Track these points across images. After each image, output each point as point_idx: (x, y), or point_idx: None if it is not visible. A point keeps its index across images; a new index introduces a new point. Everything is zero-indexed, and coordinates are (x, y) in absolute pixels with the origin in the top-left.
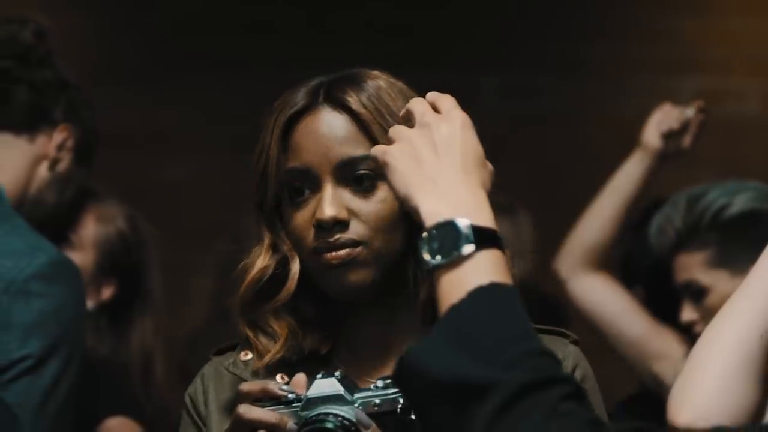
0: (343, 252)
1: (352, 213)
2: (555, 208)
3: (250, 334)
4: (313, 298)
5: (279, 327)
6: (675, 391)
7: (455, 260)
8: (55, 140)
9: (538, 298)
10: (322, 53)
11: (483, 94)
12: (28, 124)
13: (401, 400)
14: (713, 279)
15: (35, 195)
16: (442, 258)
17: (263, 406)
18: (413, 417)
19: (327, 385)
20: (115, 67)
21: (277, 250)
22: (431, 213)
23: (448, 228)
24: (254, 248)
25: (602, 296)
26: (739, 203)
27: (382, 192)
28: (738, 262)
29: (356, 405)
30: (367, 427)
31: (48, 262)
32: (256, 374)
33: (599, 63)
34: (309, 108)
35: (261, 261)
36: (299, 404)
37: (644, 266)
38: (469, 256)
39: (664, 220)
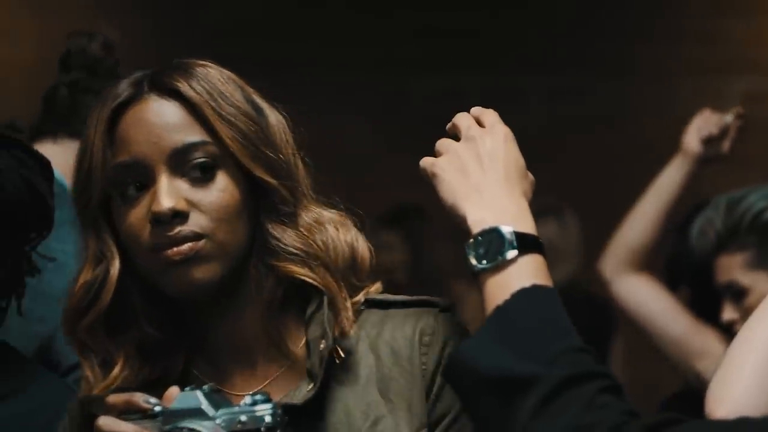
0: (185, 246)
1: (191, 204)
2: (603, 209)
3: (81, 359)
4: (154, 307)
5: (116, 350)
6: (713, 386)
7: (500, 264)
8: None
9: (586, 297)
10: (376, 54)
11: (532, 96)
12: None
13: (267, 419)
14: (753, 280)
15: None
16: (487, 262)
17: (127, 419)
18: None
19: (190, 399)
20: None
21: (103, 259)
22: (477, 221)
23: (493, 235)
24: (83, 258)
25: (645, 297)
26: None
27: (221, 181)
28: None
29: (218, 421)
30: None
31: None
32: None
33: (648, 65)
34: (134, 98)
35: (85, 274)
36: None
37: (687, 267)
38: (513, 260)
39: (705, 223)
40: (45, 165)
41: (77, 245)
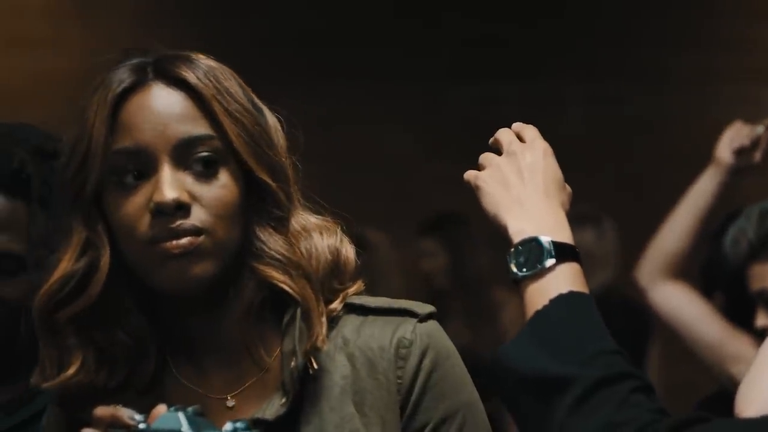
0: (185, 240)
1: (193, 198)
2: (641, 215)
3: (43, 347)
4: (134, 305)
5: (77, 350)
6: (742, 387)
7: (539, 272)
8: None
9: (623, 303)
10: (416, 62)
11: (570, 104)
12: None
13: None
14: None
15: None
16: (527, 270)
17: None
18: None
19: (172, 420)
20: None
21: (90, 249)
22: (518, 231)
23: (533, 244)
24: (62, 247)
25: (680, 303)
26: None
27: (223, 177)
28: None
29: None
30: None
31: None
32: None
33: (684, 72)
34: (138, 84)
35: (67, 262)
36: None
37: (721, 275)
38: (551, 268)
39: (738, 232)
40: None
41: None
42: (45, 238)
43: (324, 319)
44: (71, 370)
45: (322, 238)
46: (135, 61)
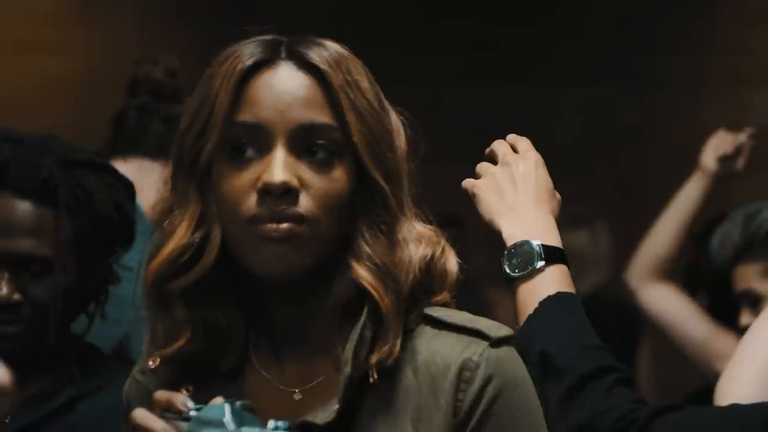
0: (285, 225)
1: (302, 184)
2: (634, 218)
3: (151, 318)
4: (230, 285)
5: (187, 322)
6: (720, 383)
7: (530, 273)
8: None
9: (615, 303)
10: (412, 65)
11: (564, 108)
12: (162, 152)
13: None
14: (767, 288)
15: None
16: (519, 271)
17: (165, 417)
18: None
19: (218, 410)
20: None
21: (204, 220)
22: (511, 235)
23: (525, 247)
24: (176, 214)
25: (669, 303)
26: None
27: (337, 170)
28: None
29: None
30: None
31: None
32: (153, 377)
33: (678, 77)
34: (269, 61)
35: (184, 231)
36: None
37: (707, 276)
38: (541, 269)
39: (724, 235)
40: (129, 186)
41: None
42: (70, 242)
43: (399, 338)
44: (180, 342)
45: (419, 248)
46: (269, 37)
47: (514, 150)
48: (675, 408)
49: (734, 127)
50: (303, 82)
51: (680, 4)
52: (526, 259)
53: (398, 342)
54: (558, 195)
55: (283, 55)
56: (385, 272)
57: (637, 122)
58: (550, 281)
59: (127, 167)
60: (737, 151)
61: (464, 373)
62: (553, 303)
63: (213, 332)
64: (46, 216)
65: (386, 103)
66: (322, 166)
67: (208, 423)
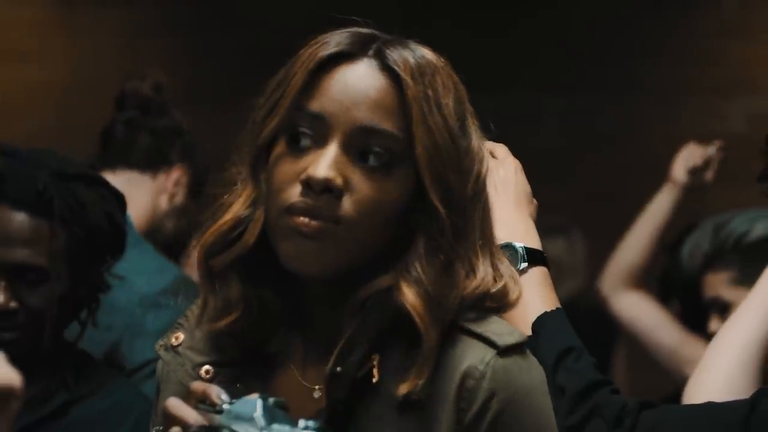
0: (317, 223)
1: (348, 185)
2: (611, 225)
3: (204, 292)
4: (273, 272)
5: (240, 297)
6: (689, 387)
7: None
8: (172, 178)
9: (591, 310)
10: None
11: (543, 115)
12: (150, 164)
13: None
14: (736, 295)
15: (156, 224)
16: None
17: (199, 408)
18: None
19: (250, 405)
20: (198, 91)
21: (256, 201)
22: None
23: (509, 250)
24: (237, 188)
25: (640, 311)
26: (758, 230)
27: (391, 180)
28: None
29: None
30: None
31: (174, 279)
32: (177, 353)
33: (655, 86)
34: (353, 55)
35: (238, 207)
36: None
37: (678, 284)
38: (524, 270)
39: (694, 244)
40: (120, 198)
41: (134, 263)
42: (65, 252)
43: (430, 366)
44: (231, 317)
45: (473, 283)
46: (367, 31)
47: (493, 156)
48: (653, 405)
49: (710, 136)
50: (379, 84)
51: (656, 13)
52: (510, 261)
53: (430, 373)
54: (535, 201)
55: (370, 52)
56: (434, 302)
57: (613, 130)
58: (533, 283)
59: (116, 179)
60: (706, 163)
61: (468, 381)
62: (543, 323)
63: (263, 312)
64: (41, 227)
65: (471, 126)
66: (375, 173)
67: (239, 417)
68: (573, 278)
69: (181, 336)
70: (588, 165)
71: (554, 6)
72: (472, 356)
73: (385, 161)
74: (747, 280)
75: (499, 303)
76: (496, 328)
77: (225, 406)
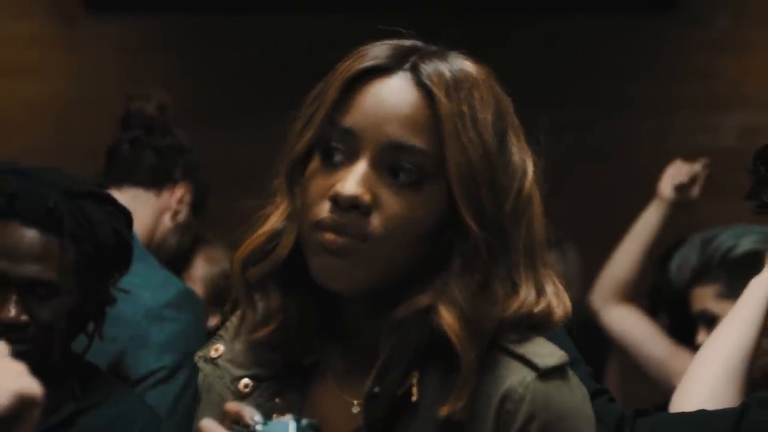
0: (344, 239)
1: (377, 202)
2: (603, 240)
3: (243, 303)
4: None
5: (279, 308)
6: (675, 397)
7: None
8: (175, 195)
9: (584, 323)
10: None
11: (532, 130)
12: (154, 182)
13: None
14: (723, 308)
15: (159, 240)
16: None
17: (232, 429)
18: None
19: (282, 427)
20: (197, 107)
21: (290, 214)
22: None
23: None
24: (277, 200)
25: (630, 324)
26: (744, 245)
27: (422, 196)
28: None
29: None
30: None
31: (177, 293)
32: (219, 365)
33: (643, 101)
34: (388, 69)
35: (275, 219)
36: None
37: (667, 297)
38: None
39: (682, 259)
40: (127, 215)
41: (139, 277)
42: (74, 267)
43: (472, 391)
44: (269, 327)
45: (514, 304)
46: (408, 43)
47: None
48: (649, 412)
49: (701, 151)
50: (411, 99)
51: (647, 28)
52: None
53: (470, 395)
54: None
55: (406, 65)
56: (472, 324)
57: (604, 145)
58: None
59: (121, 196)
60: (693, 179)
61: (506, 404)
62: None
63: (301, 322)
64: (51, 243)
65: (511, 140)
66: (405, 190)
67: None
68: (567, 291)
69: (221, 348)
70: (580, 179)
71: (544, 21)
72: (513, 378)
73: (416, 178)
74: (733, 293)
75: (542, 322)
76: (539, 350)
77: (258, 428)
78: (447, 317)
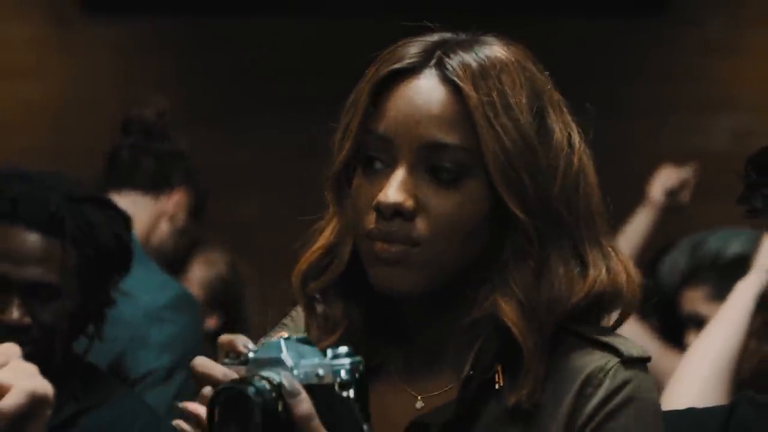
0: (394, 247)
1: (420, 205)
2: None
3: (307, 318)
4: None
5: (343, 316)
6: (664, 397)
7: None
8: (173, 200)
9: None
10: None
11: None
12: (152, 186)
13: (342, 374)
14: (712, 311)
15: (157, 244)
16: None
17: (225, 363)
18: (350, 395)
19: (273, 348)
20: (193, 109)
21: (346, 225)
22: None
23: None
24: (329, 213)
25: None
26: (733, 248)
27: (465, 191)
28: None
29: (296, 372)
30: (293, 396)
31: (176, 295)
32: None
33: (635, 103)
34: (414, 70)
35: (328, 233)
36: None
37: (656, 300)
38: None
39: (672, 262)
40: (127, 219)
41: (138, 280)
42: (75, 270)
43: (539, 379)
44: (333, 338)
45: (574, 288)
46: (432, 39)
47: None
48: None
49: (693, 154)
50: (440, 96)
51: (639, 30)
52: None
53: (538, 383)
54: None
55: (432, 62)
56: (530, 312)
57: (596, 148)
58: None
59: (121, 200)
60: (682, 184)
61: (586, 388)
62: None
63: (366, 328)
64: (53, 246)
65: (552, 118)
66: (446, 188)
67: (267, 362)
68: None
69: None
70: None
71: (533, 24)
72: (595, 364)
73: (456, 175)
74: (723, 295)
75: (614, 299)
76: (622, 341)
77: (251, 355)
78: (506, 309)
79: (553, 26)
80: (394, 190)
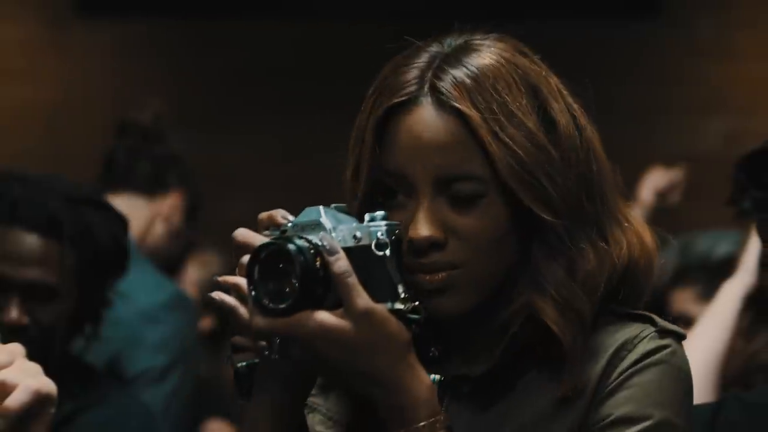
0: (439, 276)
1: (450, 231)
2: None
3: None
4: None
5: None
6: None
7: None
8: (169, 202)
9: None
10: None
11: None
12: (148, 188)
13: (379, 236)
14: (701, 311)
15: (153, 245)
16: None
17: (265, 235)
18: (387, 253)
19: (312, 213)
20: (185, 111)
21: None
22: None
23: None
24: None
25: None
26: (722, 249)
27: (486, 207)
28: None
29: (334, 234)
30: (331, 254)
31: (171, 296)
32: None
33: (627, 105)
34: (411, 101)
35: None
36: None
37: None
38: None
39: (662, 262)
40: (124, 221)
41: (134, 280)
42: (74, 271)
43: (575, 369)
44: None
45: (603, 273)
46: (421, 63)
47: None
48: None
49: (685, 156)
50: (443, 124)
51: (631, 32)
52: None
53: (578, 373)
54: None
55: (425, 89)
56: (566, 307)
57: None
58: None
59: (116, 202)
60: (672, 185)
61: (621, 352)
62: None
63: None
64: (52, 248)
65: (554, 107)
66: (467, 209)
67: (306, 227)
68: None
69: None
70: None
71: (523, 24)
72: (631, 332)
73: (474, 193)
74: (711, 296)
75: (636, 271)
76: (661, 318)
77: (290, 224)
78: (543, 308)
79: (545, 29)
80: (423, 225)
